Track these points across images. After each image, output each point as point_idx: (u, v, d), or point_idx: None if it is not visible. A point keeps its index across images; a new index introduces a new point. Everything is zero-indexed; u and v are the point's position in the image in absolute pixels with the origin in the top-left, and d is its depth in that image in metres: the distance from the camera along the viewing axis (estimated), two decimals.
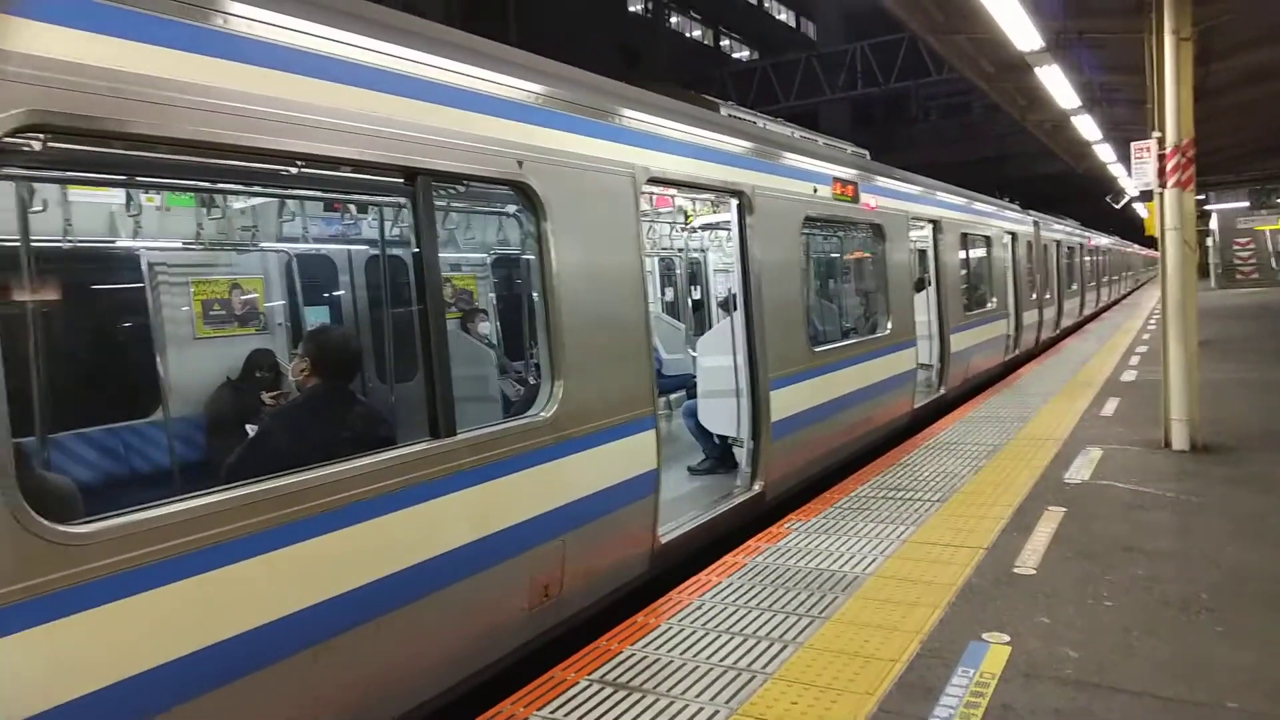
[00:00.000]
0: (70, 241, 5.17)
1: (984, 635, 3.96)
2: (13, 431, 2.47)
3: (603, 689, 3.68)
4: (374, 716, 3.51)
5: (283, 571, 3.08)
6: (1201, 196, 27.84)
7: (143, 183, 4.79)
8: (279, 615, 3.05)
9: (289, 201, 5.86)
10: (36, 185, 4.49)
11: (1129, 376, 12.18)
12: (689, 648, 4.04)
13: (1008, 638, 3.93)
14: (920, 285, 10.94)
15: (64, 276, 5.31)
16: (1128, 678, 3.52)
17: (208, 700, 2.85)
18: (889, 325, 9.23)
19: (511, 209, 6.78)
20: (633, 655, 3.99)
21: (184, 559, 2.77)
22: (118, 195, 5.27)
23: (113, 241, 5.74)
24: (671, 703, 3.53)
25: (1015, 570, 4.78)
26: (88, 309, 6.00)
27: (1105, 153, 19.05)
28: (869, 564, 5.02)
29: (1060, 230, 21.51)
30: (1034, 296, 16.94)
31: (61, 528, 2.52)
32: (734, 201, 6.44)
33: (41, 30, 2.56)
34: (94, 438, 5.63)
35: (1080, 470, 6.91)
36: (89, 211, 5.41)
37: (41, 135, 2.75)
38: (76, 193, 5.16)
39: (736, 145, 6.50)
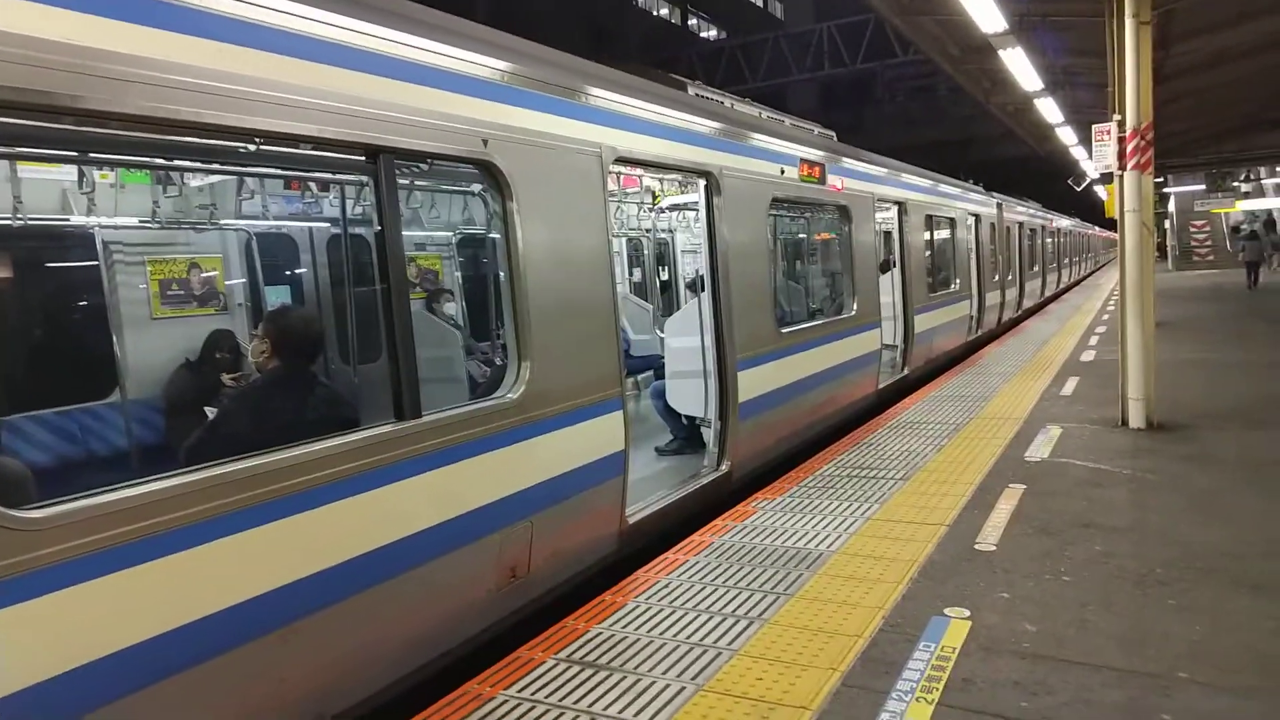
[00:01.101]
0: (21, 219, 5.02)
1: (945, 610, 4.03)
2: None
3: (570, 667, 3.69)
4: (343, 698, 3.49)
5: (247, 555, 3.04)
6: (1160, 179, 28.37)
7: (96, 159, 4.66)
8: (244, 599, 3.02)
9: (248, 179, 5.74)
10: None
11: (1088, 356, 12.40)
12: (656, 626, 4.07)
13: (968, 613, 4.00)
14: (885, 267, 11.03)
15: (14, 255, 5.17)
16: (1084, 651, 3.60)
17: (171, 684, 2.81)
18: (854, 306, 9.30)
19: (477, 188, 6.72)
20: (600, 634, 4.01)
21: (143, 543, 2.73)
22: (70, 171, 5.13)
23: (66, 219, 5.59)
24: (639, 680, 3.55)
25: (976, 547, 4.86)
26: (40, 289, 5.85)
27: (1067, 136, 19.32)
28: (834, 541, 5.08)
29: (1023, 212, 21.80)
30: (996, 278, 17.16)
31: (14, 512, 2.46)
32: (702, 182, 6.43)
33: None
34: (47, 420, 5.50)
35: (1040, 448, 7.03)
36: (40, 188, 5.26)
37: None
38: (27, 169, 5.01)
39: (704, 125, 6.48)
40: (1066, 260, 33.04)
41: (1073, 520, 5.24)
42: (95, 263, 5.73)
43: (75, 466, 5.43)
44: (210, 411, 4.74)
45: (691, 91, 7.49)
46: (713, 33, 46.12)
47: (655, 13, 42.12)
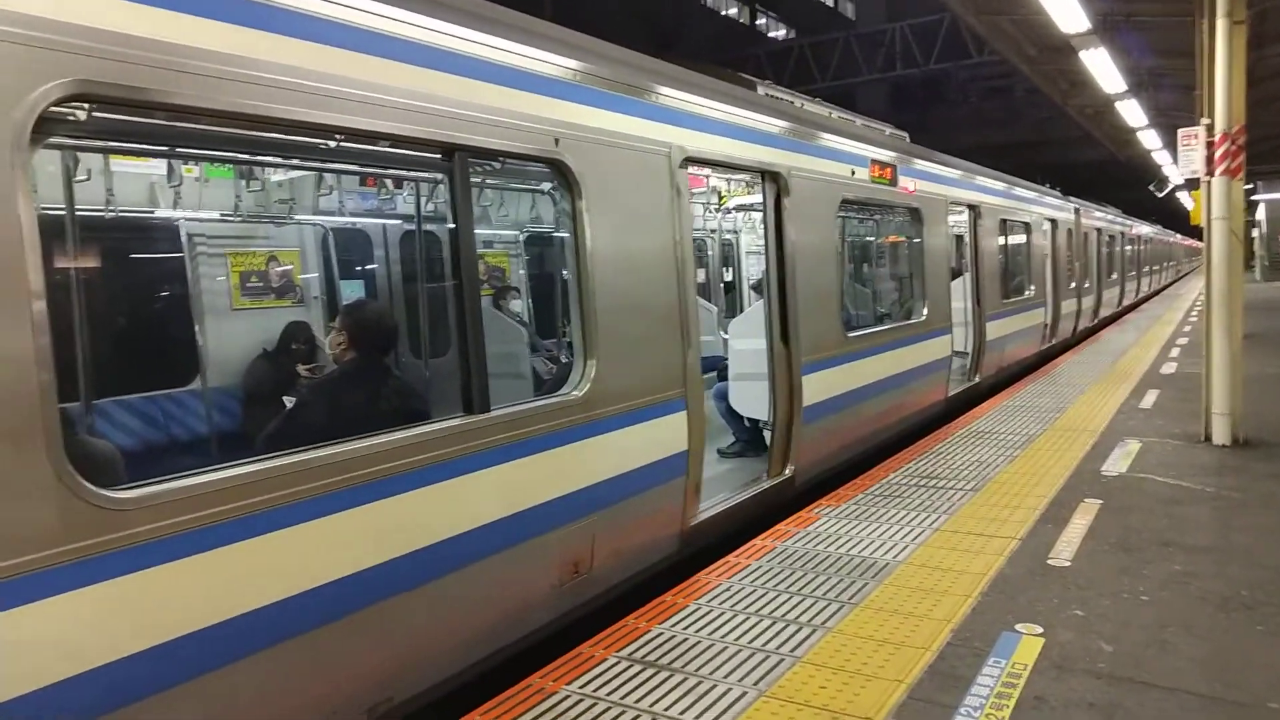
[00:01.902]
0: (112, 211, 5.23)
1: (1017, 626, 3.92)
2: (58, 397, 2.51)
3: (631, 666, 3.70)
4: (410, 684, 3.56)
5: (318, 542, 3.11)
6: (1249, 186, 27.18)
7: (183, 154, 4.83)
8: (314, 585, 3.09)
9: (326, 175, 5.88)
10: (80, 155, 4.54)
11: (1169, 369, 11.96)
12: (717, 629, 4.04)
13: (1041, 629, 3.88)
14: (956, 272, 10.80)
15: (106, 246, 5.38)
16: (1164, 674, 3.46)
17: (248, 664, 2.89)
18: (924, 311, 9.12)
19: (546, 186, 6.78)
20: (661, 634, 4.00)
21: (222, 527, 2.81)
22: (158, 166, 5.33)
23: (152, 212, 5.80)
24: (699, 682, 3.53)
25: (1049, 562, 4.72)
26: (128, 278, 6.09)
27: (1150, 139, 18.69)
28: (900, 551, 4.99)
29: (1101, 218, 21.12)
30: (1072, 285, 16.66)
31: (106, 492, 2.56)
32: (770, 183, 6.37)
33: (88, 0, 2.57)
34: (133, 405, 5.72)
35: (1117, 462, 6.80)
36: (130, 182, 5.47)
37: (86, 105, 2.77)
38: (118, 163, 5.22)
39: (774, 125, 6.42)
40: (1146, 268, 31.93)
41: (1152, 538, 5.05)
42: (180, 255, 5.95)
43: (158, 450, 5.63)
44: (287, 400, 4.86)
45: (761, 91, 7.43)
46: (781, 32, 45.72)
47: (723, 12, 41.93)
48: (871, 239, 10.45)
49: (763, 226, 6.47)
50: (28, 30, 2.42)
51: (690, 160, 5.37)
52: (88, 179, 4.72)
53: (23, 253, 2.40)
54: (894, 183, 8.34)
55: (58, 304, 4.23)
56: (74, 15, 2.53)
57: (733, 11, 42.65)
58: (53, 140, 3.55)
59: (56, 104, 2.52)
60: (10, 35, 2.39)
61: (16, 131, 2.39)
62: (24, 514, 2.38)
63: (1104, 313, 20.74)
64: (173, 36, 2.76)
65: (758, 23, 44.78)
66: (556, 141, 4.25)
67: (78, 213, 4.61)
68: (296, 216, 6.44)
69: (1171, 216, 40.26)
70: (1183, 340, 15.30)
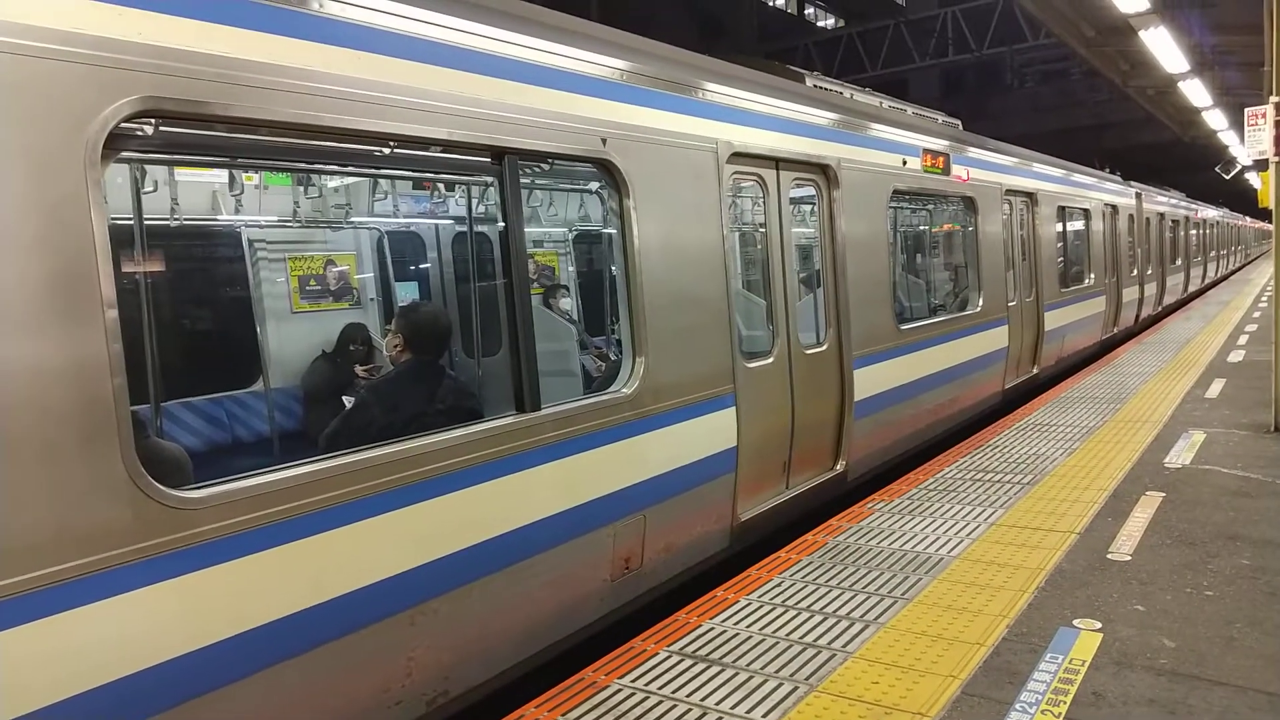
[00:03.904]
0: (177, 220, 5.41)
1: (1075, 621, 3.86)
2: (129, 400, 2.62)
3: (682, 660, 3.73)
4: (468, 677, 3.64)
5: (379, 538, 3.21)
6: None
7: (244, 164, 4.98)
8: (378, 579, 3.18)
9: (380, 180, 6.00)
10: (147, 167, 4.71)
11: (1236, 357, 11.57)
12: (768, 624, 4.05)
13: (1099, 624, 3.82)
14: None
15: (172, 254, 5.57)
16: (1230, 671, 3.38)
17: (312, 657, 3.00)
18: (980, 302, 8.97)
19: (594, 186, 6.82)
20: (712, 629, 4.03)
21: (286, 524, 2.91)
22: (220, 175, 5.49)
23: (215, 220, 5.99)
24: (750, 677, 3.55)
25: (1109, 556, 4.63)
26: (194, 284, 6.28)
27: (1215, 120, 18.09)
28: (954, 546, 4.93)
29: (1164, 202, 20.47)
30: (1134, 272, 16.20)
31: (176, 492, 2.67)
32: (820, 175, 6.33)
33: (152, 20, 2.68)
34: (200, 407, 5.92)
35: (1181, 454, 6.62)
36: (193, 191, 5.64)
37: (153, 120, 2.89)
38: (182, 173, 5.39)
39: (822, 117, 6.38)
40: (1213, 253, 30.88)
41: (1217, 531, 4.92)
42: (241, 260, 6.13)
43: (223, 450, 5.82)
44: (346, 400, 4.99)
45: (809, 83, 7.38)
46: (830, 21, 45.15)
47: (771, 3, 41.56)
48: (925, 229, 10.29)
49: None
50: (98, 51, 2.54)
51: (737, 155, 5.37)
52: (154, 190, 4.89)
53: (96, 263, 2.51)
54: (946, 172, 8.22)
55: (128, 311, 4.40)
56: (139, 35, 2.64)
57: (780, 2, 42.25)
58: (123, 155, 3.70)
59: (126, 120, 2.63)
60: (82, 57, 2.51)
61: (90, 148, 2.51)
62: (99, 514, 2.50)
63: (1168, 300, 20.14)
64: (232, 51, 2.87)
65: (806, 12, 44.30)
66: (604, 141, 4.29)
67: (146, 223, 4.78)
68: (352, 220, 6.58)
69: (1239, 199, 38.85)
70: (1251, 327, 14.78)
